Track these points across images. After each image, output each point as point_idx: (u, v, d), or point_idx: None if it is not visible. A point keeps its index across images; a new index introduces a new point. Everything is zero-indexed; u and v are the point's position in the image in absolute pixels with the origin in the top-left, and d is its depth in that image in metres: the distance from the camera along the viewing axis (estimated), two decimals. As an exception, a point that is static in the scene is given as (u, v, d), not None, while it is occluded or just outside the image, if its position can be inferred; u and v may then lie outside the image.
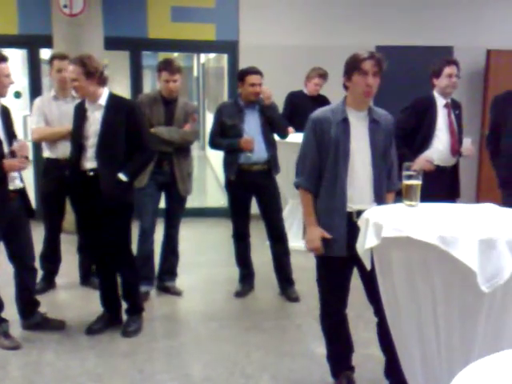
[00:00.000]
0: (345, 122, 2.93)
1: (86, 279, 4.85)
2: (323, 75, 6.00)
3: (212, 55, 11.05)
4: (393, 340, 2.69)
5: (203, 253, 6.03)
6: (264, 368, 3.55)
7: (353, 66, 2.86)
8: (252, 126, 4.57)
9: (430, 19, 7.48)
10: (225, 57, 8.05)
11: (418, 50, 7.28)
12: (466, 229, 2.30)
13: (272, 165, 4.64)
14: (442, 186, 4.14)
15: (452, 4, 7.50)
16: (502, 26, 7.54)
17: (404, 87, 6.81)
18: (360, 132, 2.95)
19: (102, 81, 3.79)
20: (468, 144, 4.30)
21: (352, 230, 2.83)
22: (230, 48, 7.34)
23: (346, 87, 2.95)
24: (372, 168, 2.97)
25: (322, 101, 5.65)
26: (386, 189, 3.04)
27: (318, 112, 3.00)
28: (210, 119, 10.65)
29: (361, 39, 7.08)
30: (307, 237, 3.04)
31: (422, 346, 2.45)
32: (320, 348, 3.48)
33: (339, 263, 2.99)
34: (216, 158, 8.30)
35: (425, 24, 7.47)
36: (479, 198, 7.19)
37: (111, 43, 6.64)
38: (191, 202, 5.30)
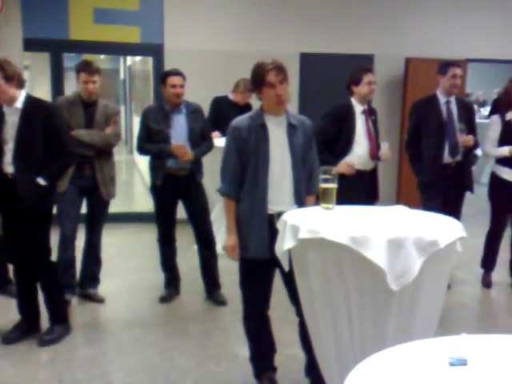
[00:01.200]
0: (263, 127, 2.99)
1: (1, 286, 4.68)
2: (251, 89, 5.94)
3: (138, 58, 10.93)
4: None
5: (128, 258, 5.95)
6: (187, 372, 3.55)
7: (259, 81, 2.94)
8: (179, 131, 4.55)
9: (352, 28, 7.70)
10: (150, 60, 7.99)
11: (341, 58, 7.47)
12: (376, 229, 2.39)
13: (196, 169, 4.64)
14: (362, 189, 4.27)
15: (373, 14, 7.74)
16: (419, 35, 7.85)
17: (328, 94, 6.98)
18: (278, 136, 3.02)
19: (20, 83, 3.70)
20: (386, 148, 4.45)
21: (274, 233, 2.88)
22: (155, 51, 7.29)
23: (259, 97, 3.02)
24: (291, 171, 3.03)
25: (246, 107, 5.69)
26: (307, 192, 3.11)
27: (238, 119, 3.07)
28: (137, 123, 10.55)
29: (286, 46, 7.22)
30: (225, 244, 3.11)
31: (337, 344, 2.52)
32: (244, 350, 3.50)
33: (261, 265, 3.03)
34: (143, 162, 8.21)
35: (347, 33, 7.69)
36: (399, 201, 7.45)
37: (31, 44, 6.47)
38: (117, 207, 5.22)
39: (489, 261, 5.18)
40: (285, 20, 7.50)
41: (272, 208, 3.00)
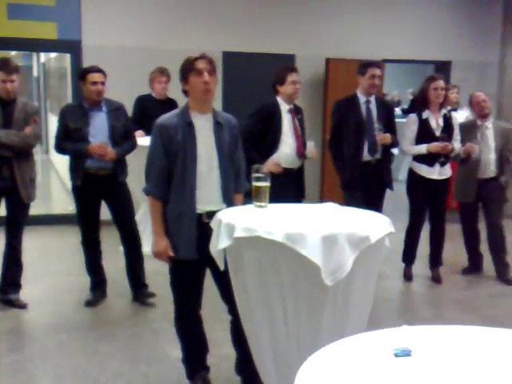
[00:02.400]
0: (190, 125, 2.97)
1: None
2: (164, 71, 5.98)
3: (53, 54, 10.57)
4: (245, 337, 2.77)
5: (50, 262, 5.74)
6: (118, 376, 3.48)
7: (187, 68, 2.93)
8: (98, 130, 4.43)
9: (274, 28, 7.78)
10: (67, 56, 7.74)
11: (263, 57, 7.55)
12: (311, 226, 2.43)
13: (118, 169, 4.54)
14: (289, 187, 4.33)
15: (294, 14, 7.86)
16: (339, 35, 8.05)
17: (251, 92, 7.03)
18: (205, 135, 3.00)
19: None
20: (311, 147, 4.53)
21: (202, 232, 2.87)
22: (72, 48, 7.06)
23: (185, 92, 3.00)
24: (219, 170, 3.02)
25: (170, 104, 5.64)
26: (235, 190, 3.12)
27: (164, 118, 3.02)
28: (52, 121, 10.18)
29: (208, 44, 7.17)
30: (154, 248, 3.05)
31: (273, 340, 2.55)
32: (176, 351, 3.47)
33: (191, 266, 3.01)
34: (61, 162, 7.95)
35: (270, 32, 7.76)
36: (322, 199, 7.61)
37: None
38: (35, 209, 5.02)
39: (409, 255, 5.39)
40: (207, 18, 7.48)
41: (200, 207, 2.98)
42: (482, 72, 8.53)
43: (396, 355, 1.34)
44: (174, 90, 5.99)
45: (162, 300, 4.52)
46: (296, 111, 4.51)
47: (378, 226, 2.52)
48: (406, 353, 1.34)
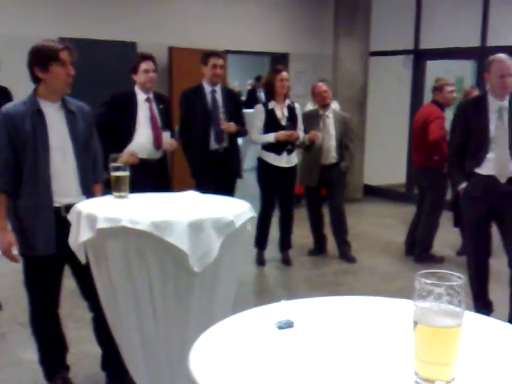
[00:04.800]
0: (39, 114, 2.80)
1: None
2: None
3: None
4: (111, 332, 2.70)
5: None
6: (-34, 388, 3.21)
7: (50, 56, 2.76)
8: None
9: (115, 14, 7.58)
10: None
11: (104, 44, 7.32)
12: (176, 214, 2.43)
13: None
14: (149, 178, 4.16)
15: (136, 1, 7.71)
16: (182, 24, 8.05)
17: (94, 81, 6.80)
18: (57, 124, 2.86)
19: None
20: (166, 138, 4.42)
21: (61, 227, 2.74)
22: None
23: (37, 79, 2.82)
24: (75, 160, 2.89)
25: (2, 92, 5.25)
26: (93, 180, 3.01)
27: (9, 106, 2.82)
28: None
29: (43, 30, 6.79)
30: None
31: (141, 333, 2.51)
32: (29, 354, 3.29)
33: (49, 262, 2.86)
34: None
35: (110, 18, 7.54)
36: (173, 188, 7.57)
37: None
38: None
39: (261, 240, 5.58)
40: (44, 2, 7.07)
41: (58, 200, 2.83)
42: (317, 64, 9.03)
43: (280, 328, 1.39)
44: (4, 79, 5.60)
45: (8, 303, 4.23)
46: (159, 100, 4.42)
47: (240, 211, 2.58)
48: (289, 325, 1.41)
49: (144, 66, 4.25)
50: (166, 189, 4.33)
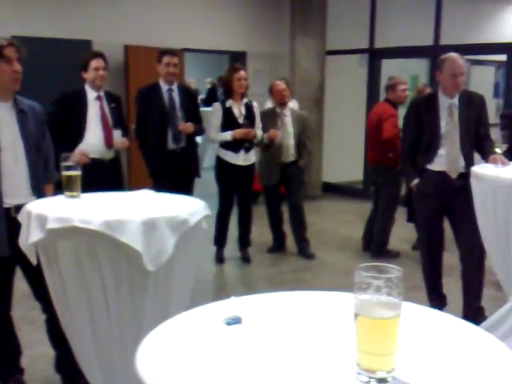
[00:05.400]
0: None
1: None
2: None
3: None
4: (64, 334, 2.66)
5: None
6: None
7: None
8: None
9: (70, 12, 7.45)
10: None
11: (59, 43, 7.20)
12: (129, 213, 2.41)
13: None
14: (103, 178, 4.07)
15: (90, -2, 7.62)
16: (138, 23, 7.97)
17: (45, 79, 6.69)
18: (8, 123, 2.80)
19: None
20: (118, 136, 4.33)
21: (11, 228, 2.69)
22: None
23: None
24: (26, 160, 2.84)
25: None
26: (44, 180, 2.96)
27: None
28: None
29: (-4, 27, 6.66)
30: None
31: (94, 334, 2.48)
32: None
33: (1, 264, 2.81)
34: None
35: (65, 17, 7.42)
36: (131, 187, 7.49)
37: None
38: None
39: (220, 238, 5.58)
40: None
41: (8, 201, 2.78)
42: (275, 62, 9.08)
43: (228, 324, 1.40)
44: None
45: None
46: (110, 99, 4.36)
47: (195, 209, 2.58)
48: (237, 320, 1.42)
49: (94, 63, 4.18)
50: (120, 188, 4.28)
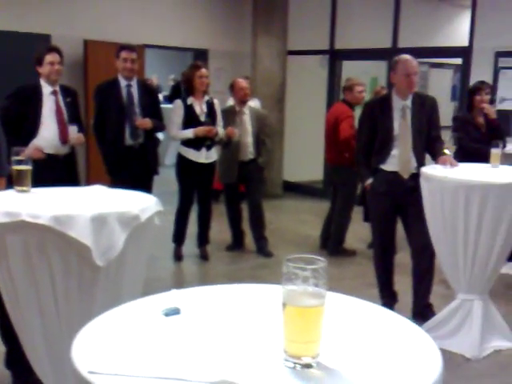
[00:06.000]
0: None
1: None
2: None
3: None
4: (14, 329, 2.65)
5: None
6: None
7: None
8: None
9: (28, 6, 7.34)
10: None
11: (17, 37, 7.10)
12: (79, 208, 2.42)
13: None
14: (57, 174, 4.02)
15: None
16: (97, 17, 7.90)
17: (1, 73, 6.60)
18: None
19: None
20: (73, 132, 4.27)
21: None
22: None
23: None
24: None
25: None
26: (-5, 175, 2.95)
27: None
28: None
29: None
30: None
31: (44, 329, 2.47)
32: None
33: None
34: None
35: (23, 10, 7.30)
36: (89, 183, 7.41)
37: None
38: None
39: (179, 235, 5.59)
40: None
41: (-43, 195, 2.76)
42: (236, 61, 9.11)
43: (166, 315, 1.44)
44: None
45: None
46: (66, 93, 4.32)
47: (146, 205, 2.59)
48: (175, 312, 1.45)
49: (49, 57, 4.14)
50: (75, 184, 4.22)
